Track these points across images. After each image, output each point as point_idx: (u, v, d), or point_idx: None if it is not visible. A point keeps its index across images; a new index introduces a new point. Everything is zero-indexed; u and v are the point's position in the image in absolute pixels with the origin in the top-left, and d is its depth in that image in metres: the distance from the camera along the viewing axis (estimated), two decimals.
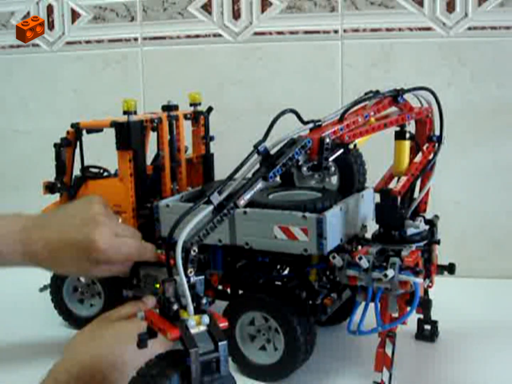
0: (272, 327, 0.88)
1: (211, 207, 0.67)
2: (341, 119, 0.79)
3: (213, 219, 0.66)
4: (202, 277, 0.61)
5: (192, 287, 0.60)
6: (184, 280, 0.59)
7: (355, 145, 0.80)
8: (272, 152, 0.73)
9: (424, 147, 0.90)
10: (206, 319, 0.58)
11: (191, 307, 0.58)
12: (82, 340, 0.74)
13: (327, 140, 0.75)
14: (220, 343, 0.57)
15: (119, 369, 0.69)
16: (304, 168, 0.75)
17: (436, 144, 0.90)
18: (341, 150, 0.78)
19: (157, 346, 0.62)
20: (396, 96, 0.85)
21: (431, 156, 0.89)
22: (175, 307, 0.58)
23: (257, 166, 0.73)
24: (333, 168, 0.76)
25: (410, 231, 0.85)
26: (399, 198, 0.84)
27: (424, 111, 0.89)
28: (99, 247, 0.80)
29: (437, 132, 0.91)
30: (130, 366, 0.69)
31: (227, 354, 0.57)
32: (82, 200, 0.90)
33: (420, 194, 0.90)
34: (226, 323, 0.59)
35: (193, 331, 0.57)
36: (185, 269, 0.60)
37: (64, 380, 0.68)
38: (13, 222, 0.85)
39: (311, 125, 0.79)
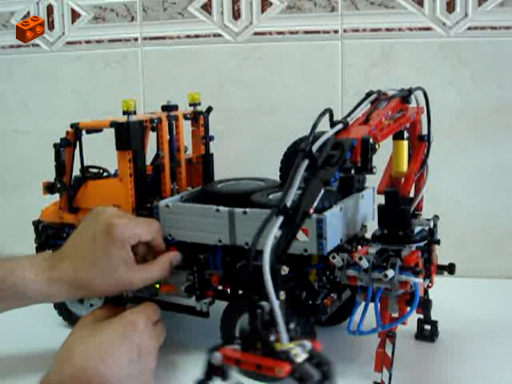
0: None
1: (280, 219, 0.62)
2: (367, 120, 0.79)
3: (287, 232, 0.61)
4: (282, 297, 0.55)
5: None
6: (277, 305, 0.53)
7: (378, 145, 0.79)
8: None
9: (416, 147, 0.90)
10: (307, 345, 0.53)
11: (285, 335, 0.53)
12: (72, 344, 0.74)
13: (371, 140, 0.73)
14: (329, 368, 0.52)
15: (112, 366, 0.69)
16: (352, 171, 0.73)
17: (426, 144, 0.90)
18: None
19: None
20: (406, 96, 0.85)
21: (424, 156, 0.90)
22: (272, 338, 0.53)
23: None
24: (375, 170, 0.75)
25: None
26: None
27: (420, 111, 0.90)
28: (119, 222, 0.84)
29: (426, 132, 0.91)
30: (123, 362, 0.70)
31: (335, 377, 0.52)
32: (84, 220, 0.92)
33: (420, 194, 0.91)
34: (322, 345, 0.55)
35: (298, 360, 0.51)
36: (277, 293, 0.54)
37: (56, 381, 0.68)
38: (35, 257, 0.90)
39: (340, 125, 0.76)
